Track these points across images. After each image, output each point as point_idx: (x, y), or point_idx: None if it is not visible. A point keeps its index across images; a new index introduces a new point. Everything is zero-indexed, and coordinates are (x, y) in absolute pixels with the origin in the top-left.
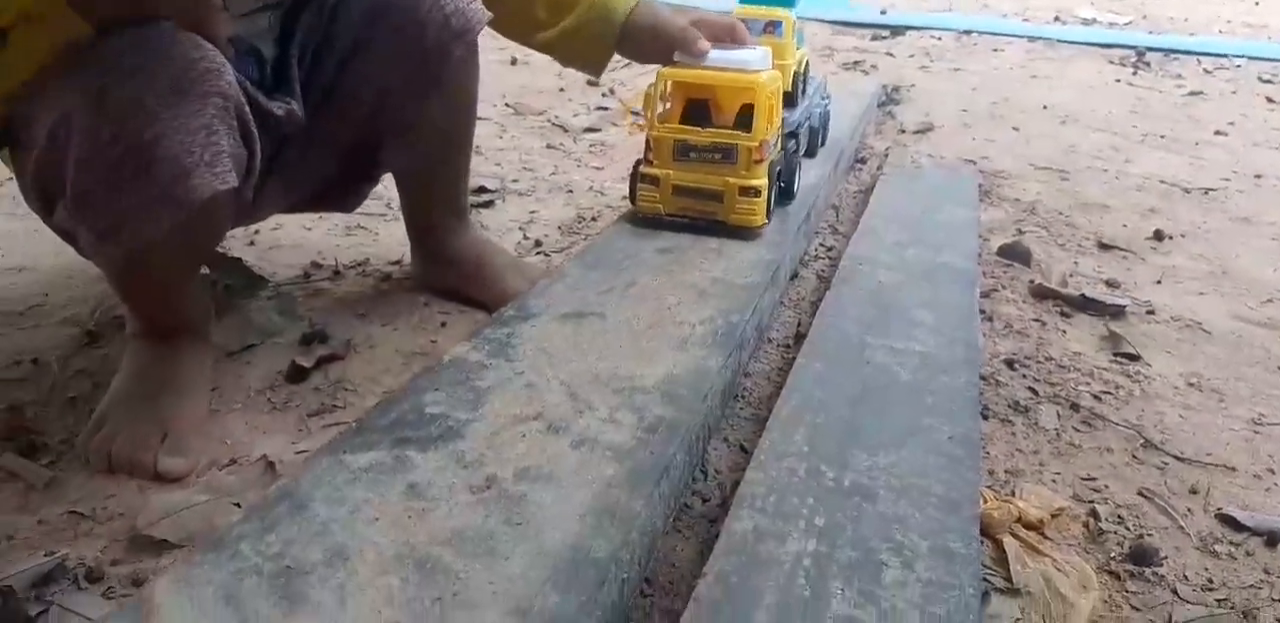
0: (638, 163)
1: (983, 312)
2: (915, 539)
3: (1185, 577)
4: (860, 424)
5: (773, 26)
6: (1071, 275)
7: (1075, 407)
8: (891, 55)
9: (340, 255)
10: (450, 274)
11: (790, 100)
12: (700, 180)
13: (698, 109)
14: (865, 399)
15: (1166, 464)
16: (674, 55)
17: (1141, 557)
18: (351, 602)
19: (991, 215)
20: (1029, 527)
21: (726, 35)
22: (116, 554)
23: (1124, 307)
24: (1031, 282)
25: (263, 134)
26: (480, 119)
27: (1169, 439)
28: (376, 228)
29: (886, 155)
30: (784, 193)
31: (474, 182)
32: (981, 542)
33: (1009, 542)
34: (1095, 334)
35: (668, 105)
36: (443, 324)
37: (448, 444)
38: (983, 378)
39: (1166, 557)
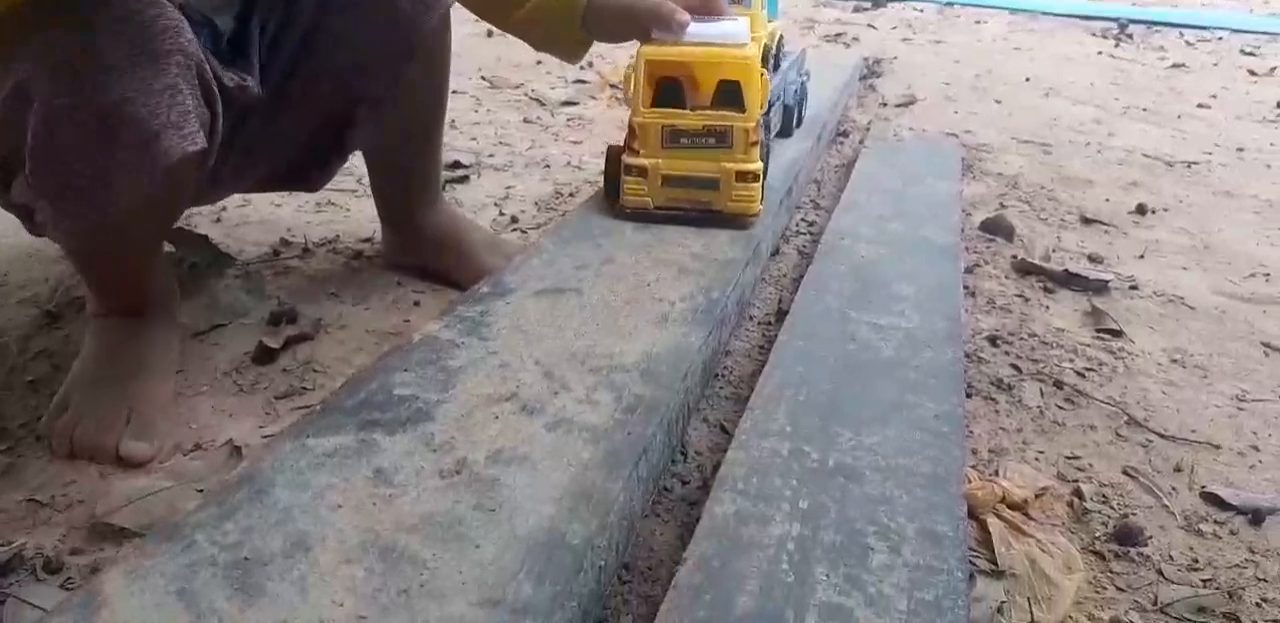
0: (614, 154)
1: (965, 287)
2: (902, 522)
3: (1170, 557)
4: (843, 402)
5: None
6: (1054, 250)
7: (1058, 384)
8: (873, 27)
9: (310, 232)
10: (423, 253)
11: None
12: (693, 167)
13: (670, 90)
14: (848, 376)
15: (1150, 442)
16: (652, 32)
17: (1126, 537)
18: (312, 593)
19: (974, 190)
20: (1013, 507)
21: (701, 7)
22: (76, 543)
23: (1107, 282)
24: (1014, 257)
25: (227, 109)
26: (455, 93)
27: (1152, 416)
28: (347, 204)
29: (869, 129)
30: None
31: (449, 156)
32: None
33: (993, 523)
34: (1078, 310)
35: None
36: (416, 303)
37: (417, 427)
38: (965, 355)
39: (1151, 536)
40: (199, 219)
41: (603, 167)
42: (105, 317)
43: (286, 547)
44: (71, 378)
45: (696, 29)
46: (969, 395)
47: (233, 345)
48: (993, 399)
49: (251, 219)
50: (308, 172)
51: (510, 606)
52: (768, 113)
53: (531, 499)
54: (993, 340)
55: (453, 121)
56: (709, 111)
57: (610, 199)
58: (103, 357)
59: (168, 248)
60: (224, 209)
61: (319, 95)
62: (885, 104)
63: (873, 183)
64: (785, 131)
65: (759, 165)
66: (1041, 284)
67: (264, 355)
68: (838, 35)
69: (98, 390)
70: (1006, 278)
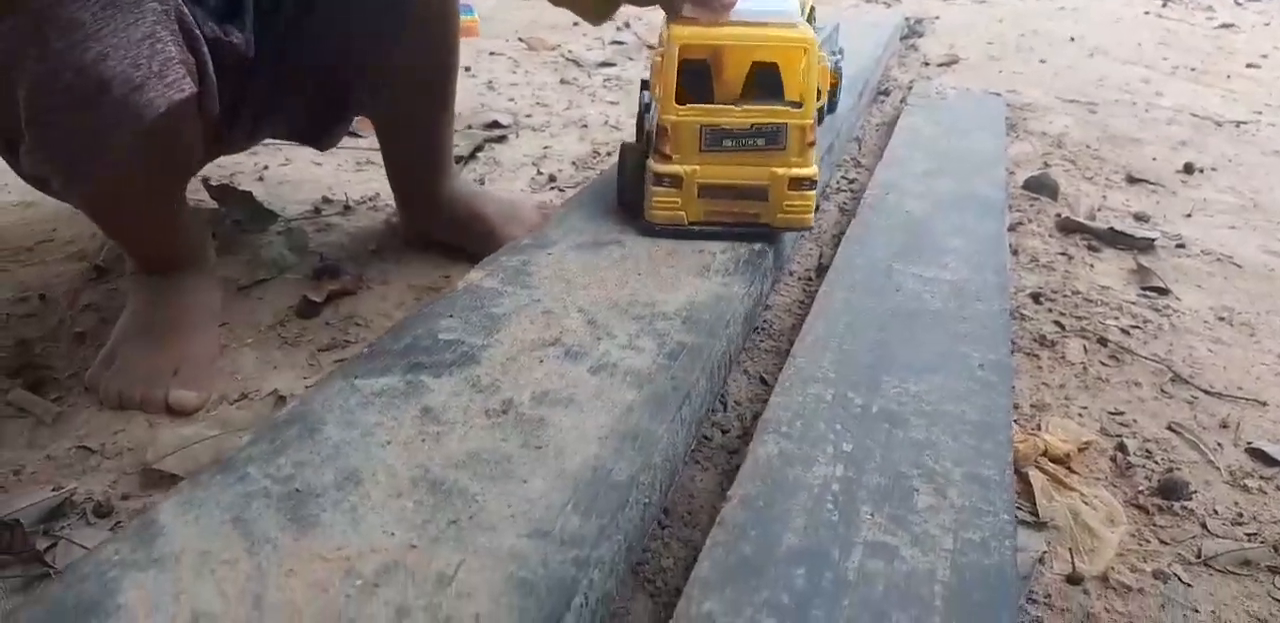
0: (631, 156)
1: (1010, 245)
2: (948, 466)
3: (1215, 511)
4: (889, 351)
5: None
6: (1099, 209)
7: (1103, 341)
8: None
9: (350, 190)
10: (439, 229)
11: None
12: (737, 174)
13: (696, 80)
14: (893, 326)
15: (1196, 398)
16: (685, 7)
17: (1170, 490)
18: (364, 523)
19: (1018, 148)
20: (1055, 461)
21: None
22: (126, 489)
23: (1153, 240)
24: (1058, 215)
25: (218, 63)
26: (493, 54)
27: (1198, 373)
28: None
29: (910, 87)
30: None
31: (487, 116)
32: None
33: (1035, 475)
34: (1123, 268)
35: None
36: (453, 260)
37: (463, 369)
38: (1009, 312)
39: (1196, 491)
40: (242, 177)
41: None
42: (143, 274)
43: (338, 480)
44: (117, 332)
45: (743, 5)
46: (1011, 352)
47: (276, 299)
48: (1035, 355)
49: (293, 178)
50: (315, 132)
51: (558, 537)
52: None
53: (577, 439)
54: (1036, 297)
55: (490, 83)
56: (754, 107)
57: (622, 207)
58: (145, 312)
59: (212, 204)
60: (266, 168)
61: (318, 57)
62: (927, 64)
63: (916, 139)
64: (818, 117)
65: (815, 170)
66: (1086, 242)
67: (307, 309)
68: None
69: (144, 343)
70: (1050, 236)
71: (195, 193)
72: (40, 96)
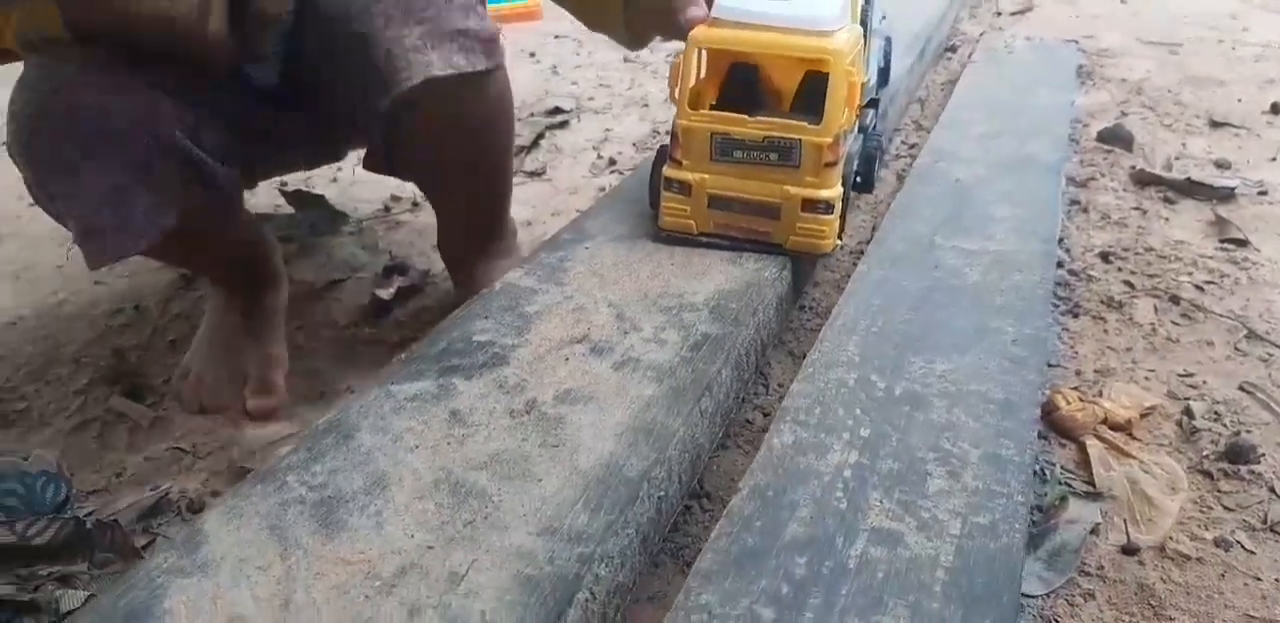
0: (658, 159)
1: (1077, 202)
2: (965, 447)
3: None
4: (920, 330)
5: None
6: (1178, 158)
7: (1175, 299)
8: None
9: (416, 189)
10: None
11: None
12: (748, 189)
13: (743, 83)
14: (928, 304)
15: (1271, 356)
16: (683, 12)
17: (1238, 454)
18: (387, 527)
19: (1094, 98)
20: (1115, 428)
21: None
22: (217, 486)
23: (1233, 189)
24: (1133, 167)
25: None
26: (558, 37)
27: (1276, 328)
28: None
29: (979, 41)
30: (861, 184)
31: (549, 103)
32: (1064, 445)
33: (1092, 444)
34: (1201, 220)
35: (700, 78)
36: None
37: (493, 371)
38: (1073, 273)
39: (1264, 454)
40: (317, 180)
41: None
42: (214, 286)
43: (367, 485)
44: (194, 344)
45: (765, 5)
46: (1076, 316)
47: (350, 299)
48: (1101, 319)
49: (364, 178)
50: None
51: (566, 534)
52: (874, 100)
53: (594, 436)
54: (1105, 256)
55: (554, 67)
56: (773, 119)
57: (652, 208)
58: (216, 324)
59: (289, 209)
60: (339, 169)
61: (326, 113)
62: (1000, 13)
63: (977, 97)
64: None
65: (836, 192)
66: (1161, 195)
67: (378, 307)
68: None
69: (216, 355)
70: (1124, 190)
71: (273, 197)
72: (32, 184)
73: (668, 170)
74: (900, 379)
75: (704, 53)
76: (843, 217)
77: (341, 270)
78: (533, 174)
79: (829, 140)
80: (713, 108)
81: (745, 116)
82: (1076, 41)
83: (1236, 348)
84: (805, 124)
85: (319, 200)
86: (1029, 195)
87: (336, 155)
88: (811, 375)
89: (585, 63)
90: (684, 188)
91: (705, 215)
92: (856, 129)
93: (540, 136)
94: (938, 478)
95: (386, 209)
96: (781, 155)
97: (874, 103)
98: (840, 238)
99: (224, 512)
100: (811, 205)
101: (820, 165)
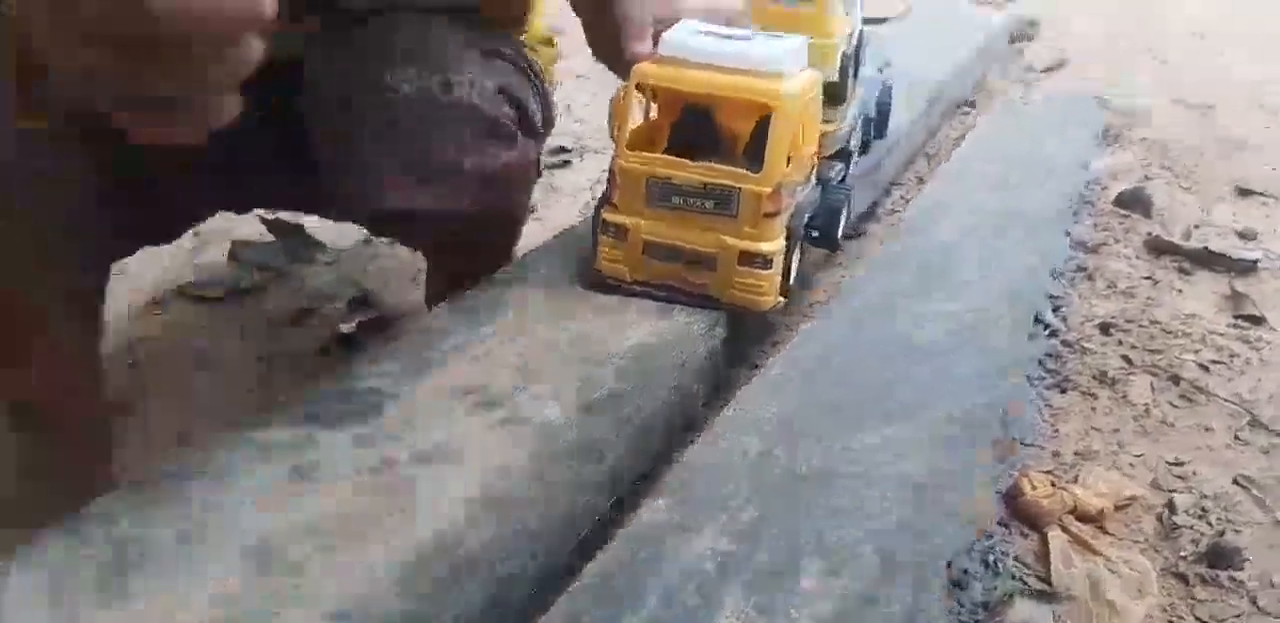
0: (600, 201)
1: (1083, 269)
2: (858, 538)
3: (1272, 583)
4: (855, 396)
5: None
6: (1198, 226)
7: (1175, 378)
8: None
9: None
10: None
11: (836, 97)
12: (685, 237)
13: (697, 126)
14: (872, 367)
15: (1274, 447)
16: (627, 47)
17: (1219, 557)
18: (177, 594)
19: (1117, 159)
20: (1086, 519)
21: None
22: None
23: (1255, 261)
24: (1149, 234)
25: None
26: (579, 77)
27: None
28: None
29: (993, 96)
30: (821, 239)
31: (553, 142)
32: (1026, 535)
33: (1055, 536)
34: (1216, 293)
35: (652, 116)
36: None
37: (362, 421)
38: (1067, 344)
39: (1249, 559)
40: None
41: None
42: None
43: (174, 544)
44: None
45: (713, 44)
46: (1063, 390)
47: (319, 330)
48: (1091, 395)
49: None
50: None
51: (362, 618)
52: (843, 151)
53: (439, 502)
54: (1105, 328)
55: (568, 107)
56: (712, 164)
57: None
58: None
59: (268, 238)
60: None
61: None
62: (1031, 69)
63: (983, 152)
64: (862, 148)
65: (776, 246)
66: (1176, 265)
67: (340, 340)
68: None
69: None
70: (1138, 258)
71: (253, 224)
72: None
73: (605, 213)
74: (812, 452)
75: (650, 91)
76: (787, 272)
77: (314, 300)
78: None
79: (768, 190)
80: (666, 151)
81: (685, 161)
82: (1106, 99)
83: (1237, 436)
84: (745, 172)
85: (298, 229)
86: (1017, 258)
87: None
88: (711, 441)
89: (594, 102)
90: (620, 232)
91: (641, 262)
92: (813, 179)
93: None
94: (811, 576)
95: (368, 241)
96: (719, 203)
97: (844, 154)
98: (785, 295)
99: (18, 561)
100: (749, 259)
101: (759, 216)
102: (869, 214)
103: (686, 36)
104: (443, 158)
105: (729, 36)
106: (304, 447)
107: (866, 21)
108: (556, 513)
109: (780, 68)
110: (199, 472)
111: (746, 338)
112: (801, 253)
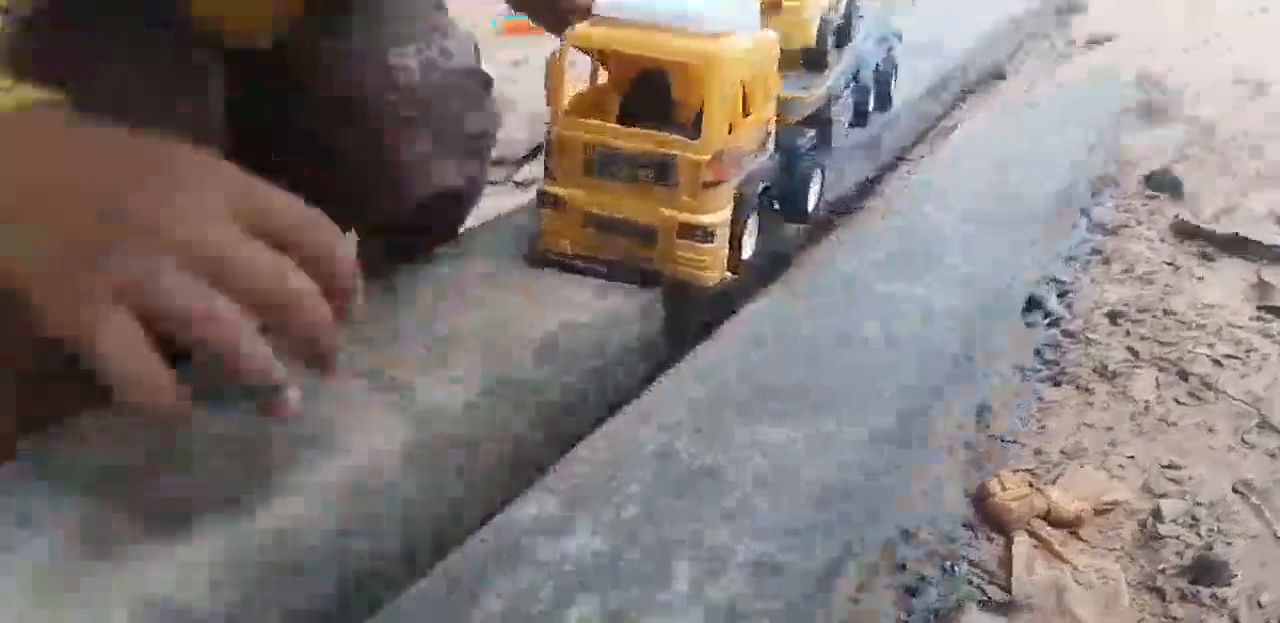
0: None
1: (1099, 253)
2: (744, 543)
3: (1259, 603)
4: (779, 386)
5: None
6: (1233, 209)
7: (1183, 373)
8: None
9: None
10: None
11: (817, 63)
12: (624, 208)
13: (653, 92)
14: (808, 356)
15: None
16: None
17: (1204, 572)
18: None
19: (1156, 138)
20: (1059, 523)
21: None
22: None
23: None
24: (1176, 217)
25: None
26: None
27: None
28: None
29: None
30: (789, 212)
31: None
32: (993, 539)
33: (1021, 541)
34: (1243, 282)
35: (599, 80)
36: None
37: (252, 403)
38: (1069, 333)
39: (1238, 575)
40: None
41: None
42: None
43: (15, 525)
44: None
45: (655, 3)
46: (1057, 383)
47: None
48: (1087, 389)
49: None
50: None
51: (173, 610)
52: (819, 116)
53: (292, 490)
54: (1113, 316)
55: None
56: (649, 131)
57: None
58: None
59: None
60: None
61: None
62: (1073, 42)
63: (988, 134)
64: (859, 120)
65: (718, 218)
66: (1201, 250)
67: None
68: None
69: None
70: (1160, 242)
71: None
72: None
73: (544, 184)
74: (713, 447)
75: (569, 49)
76: (737, 246)
77: None
78: (520, 185)
79: (706, 158)
80: (618, 120)
81: (620, 128)
82: (1146, 74)
83: (1243, 438)
84: (684, 139)
85: None
86: (1000, 244)
87: None
88: (610, 432)
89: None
90: (559, 204)
91: (582, 236)
92: (769, 147)
93: (539, 148)
94: (680, 582)
95: None
96: (659, 173)
97: (821, 121)
98: (735, 271)
99: None
100: (689, 231)
101: (698, 186)
102: (868, 190)
103: None
104: (476, 128)
105: None
106: (188, 424)
107: None
108: (434, 505)
109: (719, 27)
110: (84, 440)
111: (697, 317)
112: (761, 226)
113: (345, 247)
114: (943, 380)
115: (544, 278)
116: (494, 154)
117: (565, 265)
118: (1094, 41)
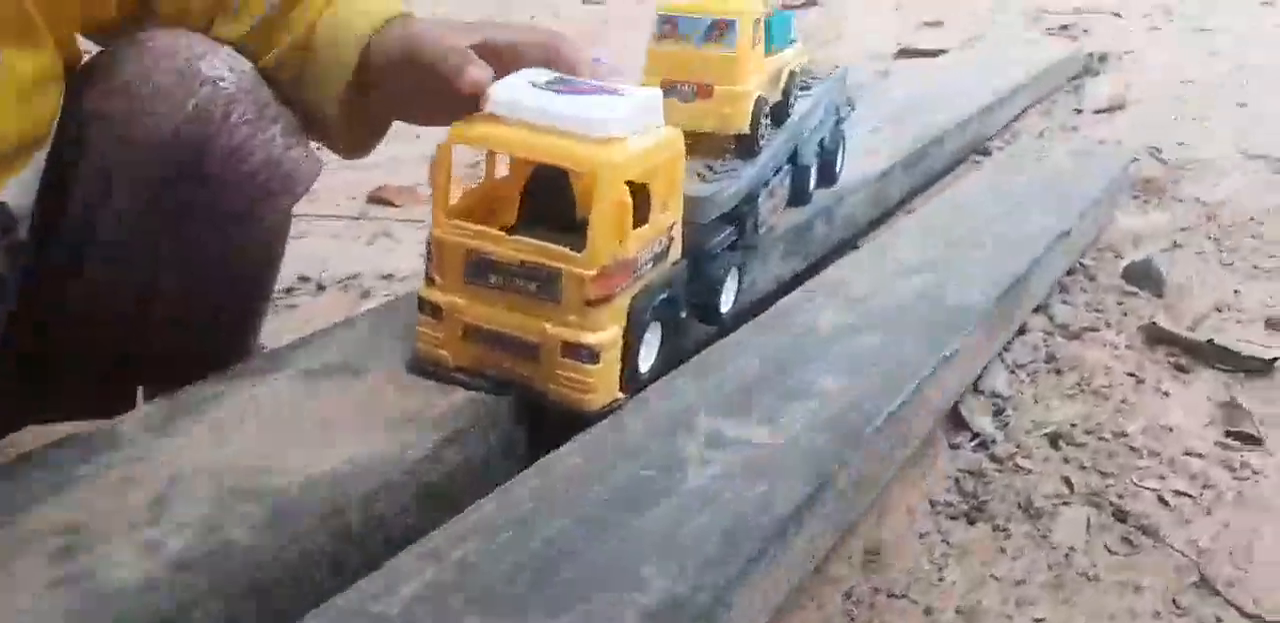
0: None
1: (1054, 359)
2: None
3: None
4: (549, 560)
5: (721, 30)
6: (1220, 310)
7: (1120, 514)
8: (1119, 15)
9: (336, 267)
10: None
11: (749, 149)
12: (505, 321)
13: (551, 193)
14: (593, 521)
15: (1219, 621)
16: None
17: None
18: None
19: (1150, 221)
20: None
21: (559, 65)
22: None
23: (1272, 360)
24: (1149, 318)
25: None
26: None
27: (1242, 579)
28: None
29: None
30: (705, 314)
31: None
32: None
33: None
34: (1212, 400)
35: (488, 178)
36: None
37: None
38: (995, 460)
39: None
40: None
41: None
42: None
43: None
44: None
45: (543, 100)
46: (971, 522)
47: None
48: (1003, 530)
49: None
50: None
51: None
52: (735, 215)
53: None
54: (1054, 440)
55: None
56: (532, 240)
57: None
58: None
59: None
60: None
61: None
62: (1080, 111)
63: (943, 215)
64: (799, 199)
65: (604, 337)
66: (1173, 359)
67: None
68: (1064, 27)
69: None
70: (1127, 348)
71: None
72: None
73: (422, 289)
74: None
75: (452, 148)
76: (631, 364)
77: None
78: None
79: (592, 273)
80: (518, 221)
81: (502, 234)
82: (1154, 148)
83: (1174, 601)
84: (567, 251)
85: None
86: (897, 360)
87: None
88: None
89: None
90: (436, 311)
91: (460, 347)
92: (674, 253)
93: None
94: None
95: (289, 290)
96: (542, 285)
97: (736, 217)
98: (625, 390)
99: None
100: (572, 351)
101: (582, 303)
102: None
103: (517, 89)
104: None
105: (570, 90)
106: None
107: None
108: None
109: (609, 130)
110: None
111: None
112: (677, 328)
113: None
114: (721, 567)
115: (390, 397)
116: None
117: (443, 377)
118: (1103, 109)
